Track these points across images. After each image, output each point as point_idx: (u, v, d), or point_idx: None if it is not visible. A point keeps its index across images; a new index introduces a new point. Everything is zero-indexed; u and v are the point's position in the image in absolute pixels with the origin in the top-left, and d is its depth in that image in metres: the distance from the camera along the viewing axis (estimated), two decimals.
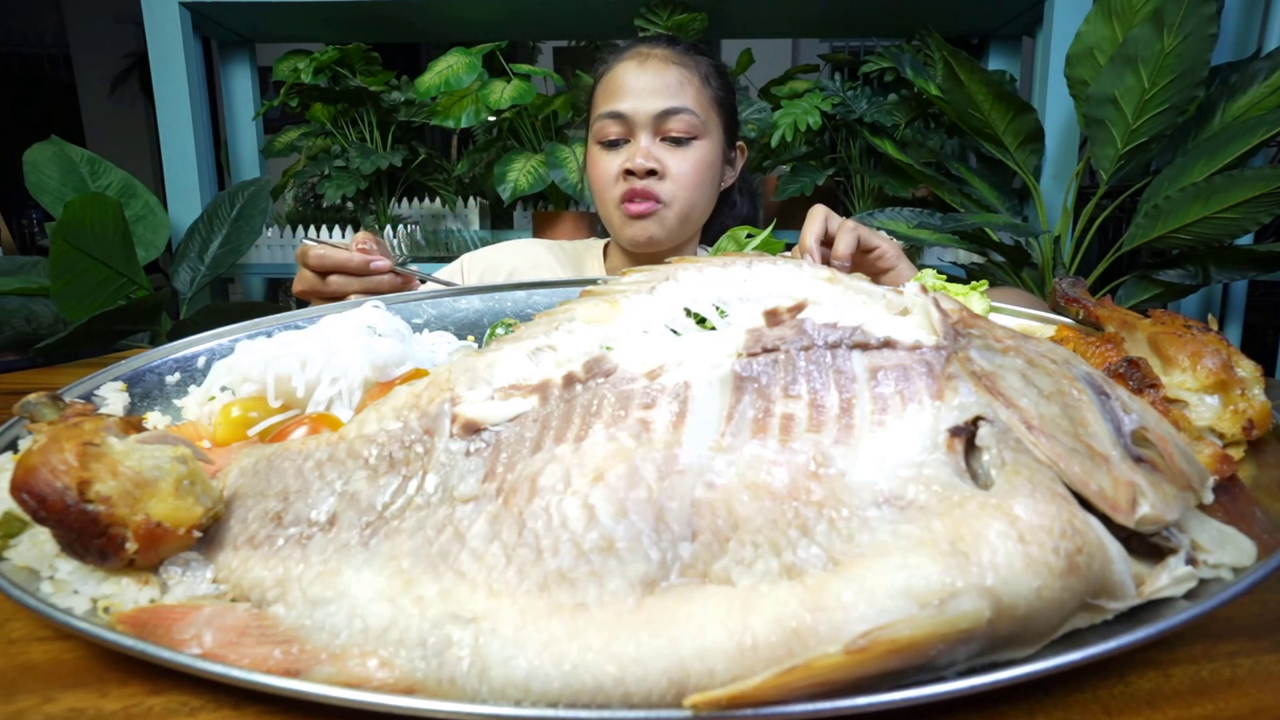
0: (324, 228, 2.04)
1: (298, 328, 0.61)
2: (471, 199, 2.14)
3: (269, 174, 2.10)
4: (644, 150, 0.99)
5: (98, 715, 0.29)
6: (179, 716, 0.29)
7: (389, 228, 1.99)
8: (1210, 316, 0.50)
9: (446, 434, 0.37)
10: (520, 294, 0.73)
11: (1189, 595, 0.30)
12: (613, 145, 1.02)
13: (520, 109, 1.93)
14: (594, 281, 0.59)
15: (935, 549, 0.28)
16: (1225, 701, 0.29)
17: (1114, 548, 0.30)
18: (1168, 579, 0.30)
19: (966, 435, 0.33)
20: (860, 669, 0.25)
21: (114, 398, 0.54)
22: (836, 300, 0.42)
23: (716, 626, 0.27)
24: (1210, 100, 1.58)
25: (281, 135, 2.15)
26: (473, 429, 0.37)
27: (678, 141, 1.00)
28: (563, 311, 0.45)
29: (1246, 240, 1.70)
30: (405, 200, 2.15)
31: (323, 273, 0.78)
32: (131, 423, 0.39)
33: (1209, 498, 0.35)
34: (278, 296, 2.33)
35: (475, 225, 2.14)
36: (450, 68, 1.89)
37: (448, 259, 1.90)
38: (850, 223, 0.74)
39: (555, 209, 2.05)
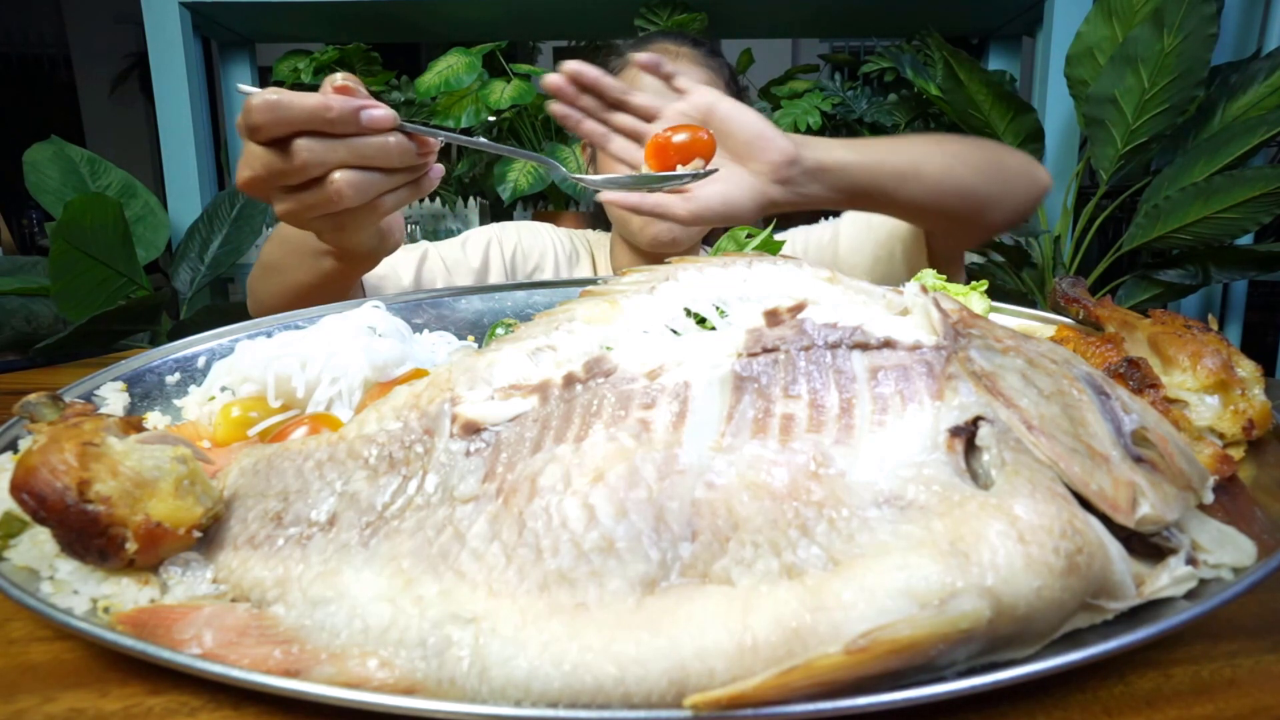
0: None
1: (298, 328, 0.61)
2: (471, 199, 2.14)
3: None
4: None
5: (98, 715, 0.29)
6: (179, 716, 0.29)
7: None
8: (1210, 316, 0.50)
9: (446, 434, 0.37)
10: (520, 294, 0.73)
11: (1189, 595, 0.30)
12: None
13: (520, 109, 1.94)
14: (594, 281, 0.59)
15: (935, 549, 0.28)
16: (1226, 702, 0.29)
17: (1114, 548, 0.30)
18: (1168, 579, 0.30)
19: (967, 435, 0.33)
20: (860, 669, 0.25)
21: (114, 398, 0.54)
22: (836, 300, 0.42)
23: (716, 626, 0.27)
24: (1210, 100, 1.58)
25: None
26: (473, 429, 0.37)
27: None
28: (563, 311, 0.45)
29: (1246, 240, 1.70)
30: None
31: (282, 137, 0.49)
32: (131, 423, 0.39)
33: (1209, 498, 0.35)
34: None
35: (475, 225, 2.15)
36: (450, 68, 1.89)
37: None
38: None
39: (555, 209, 2.05)
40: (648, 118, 0.71)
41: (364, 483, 0.37)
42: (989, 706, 0.29)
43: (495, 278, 1.02)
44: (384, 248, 0.64)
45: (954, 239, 0.90)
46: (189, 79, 1.86)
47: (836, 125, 1.99)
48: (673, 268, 0.47)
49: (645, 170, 0.62)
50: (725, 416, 0.35)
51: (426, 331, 0.67)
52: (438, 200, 2.14)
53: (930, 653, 0.26)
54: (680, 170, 0.60)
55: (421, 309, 0.70)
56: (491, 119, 1.96)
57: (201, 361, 0.60)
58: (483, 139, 0.60)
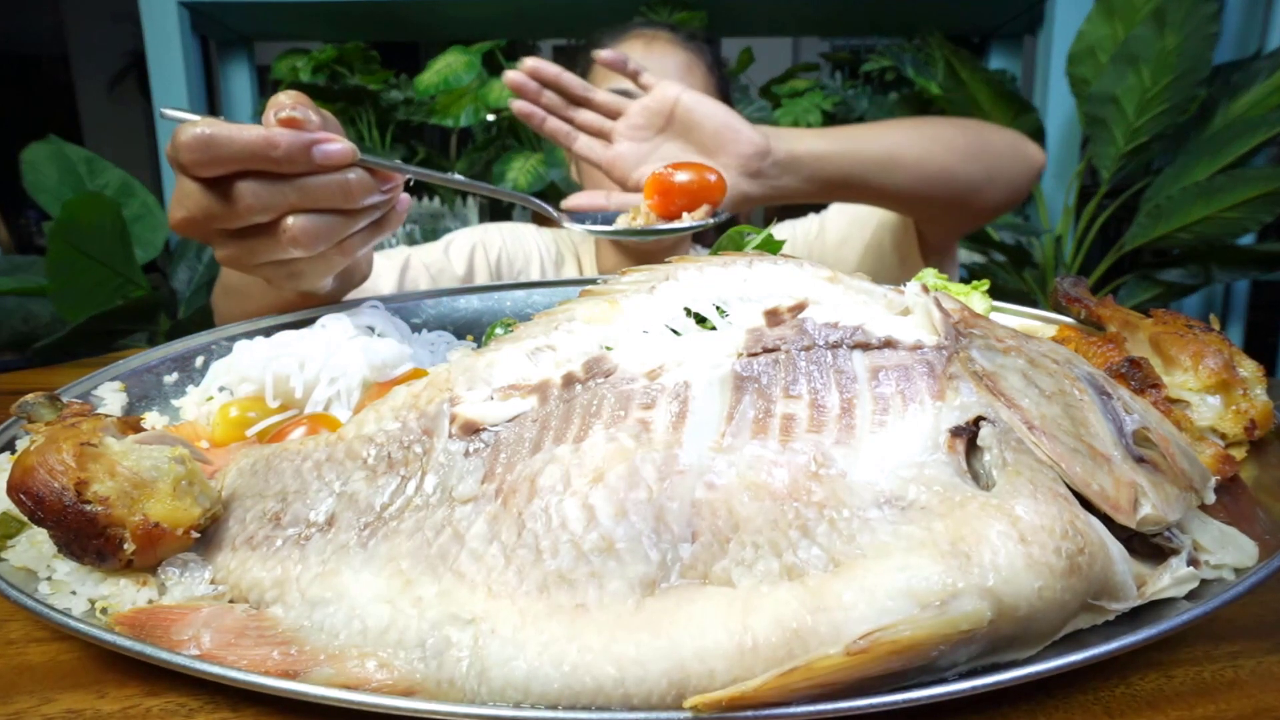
0: None
1: (296, 328, 0.61)
2: (470, 198, 2.14)
3: None
4: None
5: (95, 716, 0.29)
6: (177, 718, 0.29)
7: None
8: (1212, 316, 0.50)
9: (445, 434, 0.37)
10: (519, 294, 0.73)
11: (1190, 596, 0.30)
12: None
13: None
14: (593, 281, 0.58)
15: (936, 550, 0.28)
16: (1227, 702, 0.29)
17: (1115, 548, 0.29)
18: (1169, 580, 0.30)
19: (968, 435, 0.33)
20: (861, 670, 0.25)
21: (112, 398, 0.54)
22: (837, 300, 0.42)
23: (717, 627, 0.27)
24: (1212, 99, 1.58)
25: None
26: (472, 429, 0.37)
27: None
28: (562, 311, 0.45)
29: (1248, 240, 1.70)
30: None
31: (218, 177, 0.43)
32: (129, 423, 0.39)
33: (1210, 498, 0.35)
34: None
35: (475, 224, 2.14)
36: (449, 66, 1.89)
37: None
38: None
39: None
40: (611, 114, 0.70)
41: (363, 483, 0.36)
42: (990, 707, 0.29)
43: (481, 282, 1.00)
44: (348, 286, 0.57)
45: (944, 225, 0.87)
46: (187, 78, 1.86)
47: (837, 124, 1.99)
48: (672, 267, 0.47)
49: (643, 204, 0.58)
50: (725, 416, 0.35)
51: (426, 331, 0.67)
52: (436, 199, 2.14)
53: (931, 654, 0.26)
54: (685, 218, 0.56)
55: (421, 309, 0.70)
56: (490, 118, 1.96)
57: (199, 361, 0.59)
58: (458, 175, 0.54)
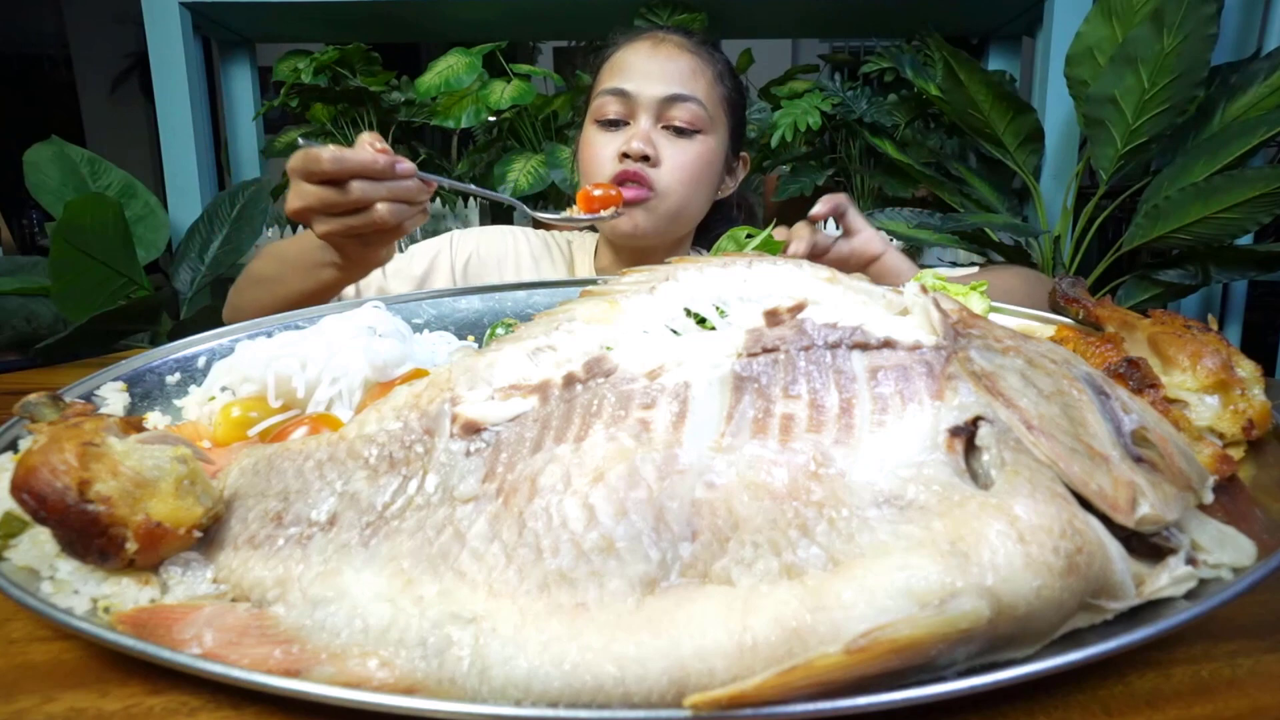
0: None
1: (298, 328, 0.61)
2: (471, 199, 2.14)
3: (269, 174, 2.10)
4: (642, 133, 0.92)
5: (98, 715, 0.29)
6: (179, 716, 0.29)
7: None
8: (1210, 316, 0.50)
9: (446, 434, 0.37)
10: (520, 294, 0.73)
11: (1189, 595, 0.30)
12: (611, 126, 0.95)
13: (520, 109, 1.93)
14: (594, 281, 0.59)
15: (935, 549, 0.28)
16: (1225, 701, 0.29)
17: (1114, 548, 0.30)
18: (1167, 579, 0.30)
19: (966, 435, 0.33)
20: (860, 669, 0.25)
21: (114, 398, 0.54)
22: (836, 300, 0.42)
23: (716, 626, 0.27)
24: (1210, 100, 1.58)
25: (282, 135, 2.15)
26: (473, 429, 0.37)
27: (680, 132, 0.94)
28: (563, 311, 0.45)
29: (1246, 240, 1.70)
30: None
31: (340, 180, 0.65)
32: (132, 423, 0.39)
33: (1209, 498, 0.35)
34: None
35: (475, 224, 2.15)
36: (450, 68, 1.89)
37: None
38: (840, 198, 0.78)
39: (555, 209, 2.05)
40: (820, 251, 0.77)
41: (364, 483, 0.37)
42: (989, 706, 0.29)
43: (441, 284, 1.00)
44: (387, 257, 0.77)
45: None
46: (189, 79, 1.86)
47: (836, 125, 1.99)
48: (673, 268, 0.47)
49: (576, 211, 0.85)
50: (725, 416, 0.35)
51: (426, 331, 0.67)
52: (438, 200, 2.14)
53: (930, 653, 0.26)
54: (602, 213, 0.85)
55: (421, 309, 0.70)
56: (492, 119, 1.96)
57: (202, 361, 0.60)
58: (473, 185, 0.83)
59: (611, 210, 0.85)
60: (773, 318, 0.40)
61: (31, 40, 5.68)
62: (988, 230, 1.70)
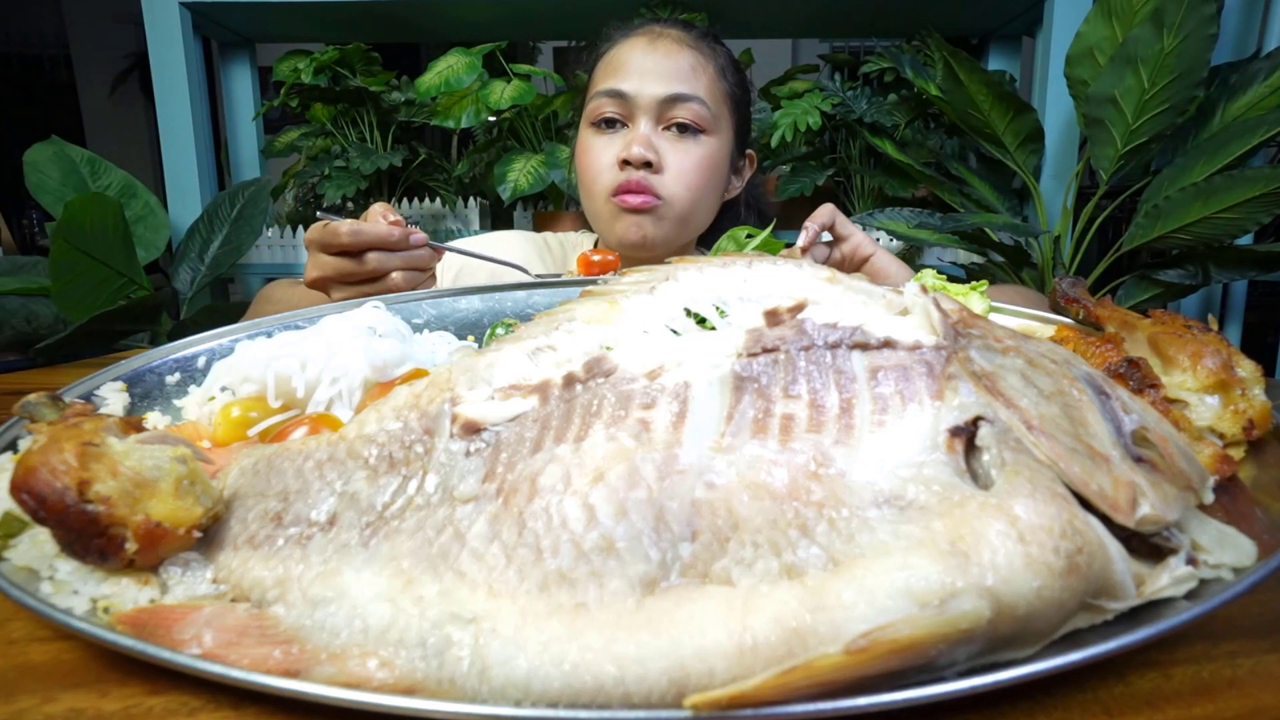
0: None
1: (298, 328, 0.61)
2: (471, 199, 2.14)
3: (269, 174, 2.10)
4: (642, 138, 0.87)
5: (97, 715, 0.29)
6: (179, 717, 0.29)
7: None
8: (1210, 316, 0.50)
9: (446, 434, 0.37)
10: (520, 294, 0.73)
11: (1189, 595, 0.30)
12: (608, 127, 0.90)
13: (520, 109, 1.93)
14: (594, 281, 0.59)
15: (935, 549, 0.28)
16: (1226, 702, 0.29)
17: (1114, 548, 0.30)
18: (1168, 579, 0.30)
19: (966, 435, 0.33)
20: (860, 669, 0.25)
21: (114, 398, 0.54)
22: (836, 300, 0.42)
23: (716, 626, 0.27)
24: (1210, 100, 1.58)
25: (282, 135, 2.15)
26: (473, 429, 0.37)
27: (682, 132, 0.89)
28: (563, 311, 0.45)
29: (1246, 240, 1.70)
30: (405, 200, 2.15)
31: (358, 251, 0.69)
32: (131, 423, 0.39)
33: (1209, 498, 0.35)
34: None
35: (475, 225, 2.14)
36: (450, 68, 1.89)
37: None
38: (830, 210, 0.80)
39: (555, 209, 2.05)
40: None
41: (364, 483, 0.37)
42: (989, 707, 0.29)
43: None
44: None
45: None
46: (189, 79, 1.86)
47: (836, 125, 1.99)
48: (673, 268, 0.47)
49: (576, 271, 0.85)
50: (725, 416, 0.35)
51: (426, 331, 0.67)
52: (438, 201, 2.14)
53: (930, 653, 0.26)
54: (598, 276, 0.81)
55: (421, 309, 0.70)
56: (492, 119, 1.96)
57: (201, 361, 0.60)
58: (478, 250, 0.87)
59: (611, 275, 0.87)
60: (773, 318, 0.40)
61: (31, 40, 5.68)
62: (988, 230, 1.70)
